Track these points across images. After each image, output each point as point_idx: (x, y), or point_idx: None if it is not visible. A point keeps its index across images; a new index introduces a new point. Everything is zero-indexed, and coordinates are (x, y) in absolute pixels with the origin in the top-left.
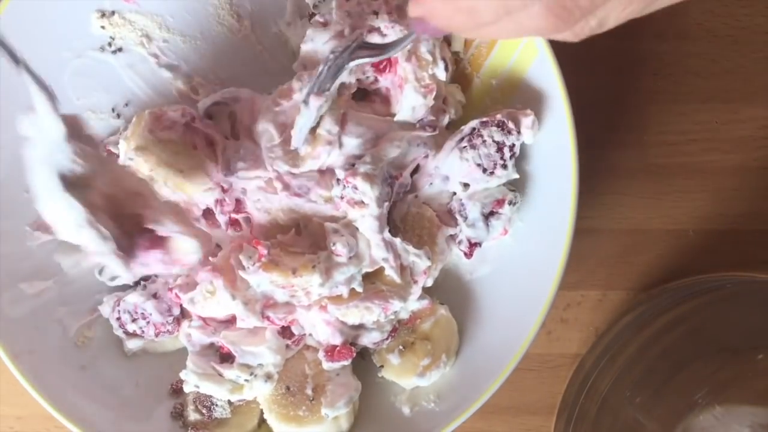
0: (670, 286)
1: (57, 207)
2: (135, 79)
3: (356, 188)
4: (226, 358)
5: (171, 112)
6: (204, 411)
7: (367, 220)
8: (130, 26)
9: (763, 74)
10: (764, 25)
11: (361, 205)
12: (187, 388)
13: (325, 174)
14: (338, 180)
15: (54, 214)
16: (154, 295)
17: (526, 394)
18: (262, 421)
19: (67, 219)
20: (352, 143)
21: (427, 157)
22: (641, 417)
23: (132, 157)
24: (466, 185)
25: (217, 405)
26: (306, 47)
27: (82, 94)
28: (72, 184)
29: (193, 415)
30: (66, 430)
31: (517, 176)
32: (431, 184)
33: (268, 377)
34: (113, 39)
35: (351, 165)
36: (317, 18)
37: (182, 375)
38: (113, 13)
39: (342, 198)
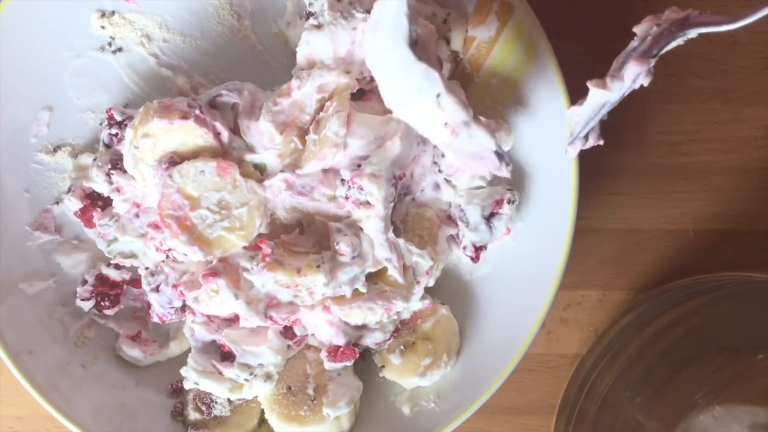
0: (670, 286)
1: (412, 75)
2: (135, 78)
3: (362, 189)
4: (227, 356)
5: (178, 103)
6: (203, 408)
7: (372, 220)
8: (130, 26)
9: (763, 74)
10: (764, 25)
11: (366, 206)
12: (187, 385)
13: (329, 173)
14: (343, 180)
15: (409, 85)
16: (156, 289)
17: (526, 394)
18: (263, 421)
19: (423, 87)
20: (356, 144)
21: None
22: (641, 417)
23: (138, 145)
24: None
25: (216, 403)
26: (302, 50)
27: (82, 94)
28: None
29: (193, 414)
30: (66, 430)
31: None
32: (422, 190)
33: (268, 377)
34: (113, 39)
35: (356, 166)
36: (311, 21)
37: (182, 372)
38: (113, 13)
39: (347, 198)
